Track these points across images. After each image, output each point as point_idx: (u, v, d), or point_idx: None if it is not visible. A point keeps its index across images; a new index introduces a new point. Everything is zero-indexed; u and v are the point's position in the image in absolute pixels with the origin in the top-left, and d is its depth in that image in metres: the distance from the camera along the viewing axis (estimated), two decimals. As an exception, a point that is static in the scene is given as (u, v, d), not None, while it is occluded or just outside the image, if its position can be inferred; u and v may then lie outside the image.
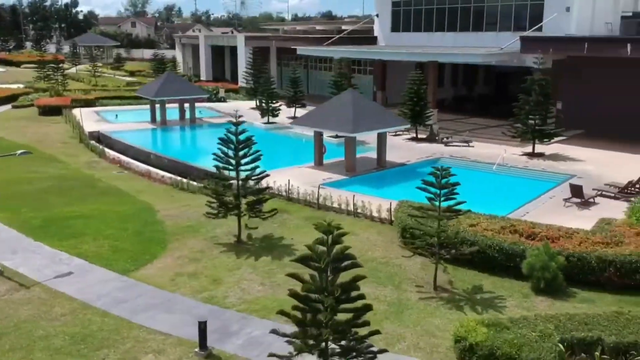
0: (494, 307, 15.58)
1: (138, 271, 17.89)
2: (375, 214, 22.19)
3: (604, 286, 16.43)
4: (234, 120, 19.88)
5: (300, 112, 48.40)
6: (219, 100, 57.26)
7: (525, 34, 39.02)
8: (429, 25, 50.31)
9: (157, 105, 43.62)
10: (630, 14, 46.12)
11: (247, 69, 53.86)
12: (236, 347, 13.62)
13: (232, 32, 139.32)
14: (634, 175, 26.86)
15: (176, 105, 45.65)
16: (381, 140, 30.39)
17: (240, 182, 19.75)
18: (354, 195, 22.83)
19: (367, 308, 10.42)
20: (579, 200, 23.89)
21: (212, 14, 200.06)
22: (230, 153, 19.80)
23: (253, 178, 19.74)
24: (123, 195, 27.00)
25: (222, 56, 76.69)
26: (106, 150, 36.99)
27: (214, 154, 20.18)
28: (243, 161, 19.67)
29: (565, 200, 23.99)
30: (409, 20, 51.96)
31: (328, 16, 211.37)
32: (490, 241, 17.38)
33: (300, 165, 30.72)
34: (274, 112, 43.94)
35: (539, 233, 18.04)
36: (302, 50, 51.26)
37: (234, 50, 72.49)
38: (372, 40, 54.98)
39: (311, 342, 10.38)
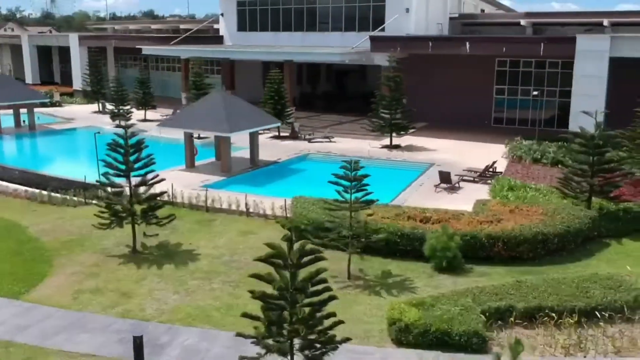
0: (407, 288, 16.57)
1: (30, 293, 16.24)
2: (269, 212, 22.26)
3: (493, 260, 18.21)
4: (122, 126, 18.70)
5: (152, 114, 46.70)
6: (54, 104, 53.06)
7: (371, 34, 41.32)
8: (275, 25, 51.15)
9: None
10: (457, 15, 50.97)
11: (88, 71, 50.44)
12: (174, 359, 13.03)
13: (51, 32, 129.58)
14: (482, 161, 30.00)
15: (9, 111, 41.52)
16: (254, 139, 30.46)
17: (132, 189, 18.70)
18: (245, 195, 22.71)
19: (332, 298, 10.63)
20: (446, 185, 26.06)
21: (24, 11, 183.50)
22: (120, 159, 18.67)
23: (148, 183, 18.81)
24: None
25: (49, 57, 70.96)
26: None
27: (103, 160, 18.89)
28: (135, 166, 18.65)
29: (436, 186, 26.02)
30: (256, 20, 52.39)
31: (151, 15, 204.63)
32: (392, 228, 18.39)
33: (172, 168, 29.69)
34: (127, 116, 41.76)
35: (430, 217, 19.46)
36: (148, 50, 49.25)
37: (63, 50, 67.56)
38: (218, 40, 54.55)
39: (281, 339, 10.35)
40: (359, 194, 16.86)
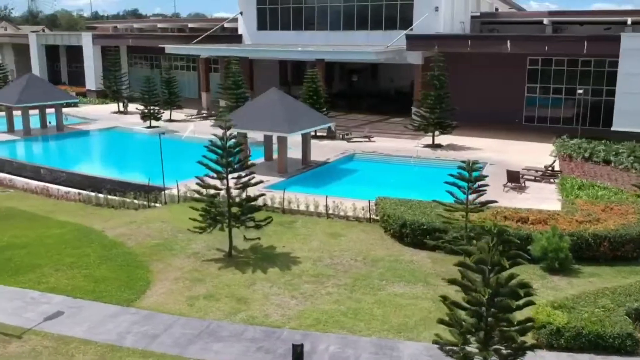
0: (525, 290, 16.28)
1: (141, 300, 15.69)
2: (350, 214, 21.86)
3: (597, 260, 18.02)
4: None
5: (176, 114, 46.00)
6: (69, 105, 51.90)
7: (399, 32, 41.05)
8: (298, 24, 50.59)
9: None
10: (478, 13, 50.95)
11: (108, 70, 49.44)
12: (328, 367, 12.63)
13: (44, 31, 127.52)
14: (531, 159, 30.08)
15: (33, 112, 40.48)
16: (307, 139, 30.02)
17: (230, 191, 18.20)
18: (326, 197, 22.23)
19: (530, 303, 10.32)
20: (513, 184, 25.88)
21: (12, 9, 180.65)
22: (220, 160, 18.15)
23: (250, 184, 18.28)
24: (38, 219, 23.43)
25: (54, 57, 69.56)
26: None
27: (200, 162, 18.35)
28: (234, 168, 18.15)
29: (504, 185, 25.81)
30: (277, 19, 51.79)
31: (135, 14, 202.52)
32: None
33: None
34: (157, 116, 41.10)
35: (527, 217, 19.22)
36: (172, 49, 48.43)
37: (71, 50, 66.42)
38: (236, 39, 53.84)
39: (480, 347, 10.01)
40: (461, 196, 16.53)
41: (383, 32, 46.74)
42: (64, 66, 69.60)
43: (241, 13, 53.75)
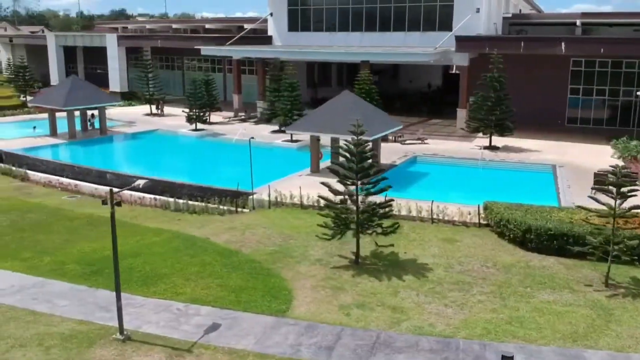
0: (673, 296, 16.18)
1: (292, 310, 15.28)
2: (456, 218, 21.62)
3: None
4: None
5: (214, 117, 45.40)
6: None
7: (454, 33, 40.89)
8: (331, 26, 50.26)
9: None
10: (510, 15, 51.09)
11: (142, 72, 48.63)
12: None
13: (43, 32, 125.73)
14: (591, 161, 30.14)
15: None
16: (378, 143, 29.71)
17: (359, 197, 17.85)
18: (432, 202, 21.95)
19: None
20: (598, 187, 25.78)
21: (7, 9, 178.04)
22: (350, 165, 17.80)
23: (384, 191, 17.94)
24: (125, 225, 22.65)
25: (72, 58, 68.51)
26: (28, 172, 31.10)
27: (329, 167, 17.95)
28: (367, 173, 17.80)
29: (592, 189, 25.70)
30: (309, 20, 51.41)
31: (122, 14, 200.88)
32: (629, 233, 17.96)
33: (297, 173, 28.82)
34: (203, 119, 40.52)
35: (650, 220, 19.09)
36: (208, 50, 47.78)
37: (89, 51, 65.57)
38: (266, 40, 53.34)
39: None
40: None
41: (421, 33, 46.68)
42: (80, 68, 68.48)
43: (271, 14, 53.28)
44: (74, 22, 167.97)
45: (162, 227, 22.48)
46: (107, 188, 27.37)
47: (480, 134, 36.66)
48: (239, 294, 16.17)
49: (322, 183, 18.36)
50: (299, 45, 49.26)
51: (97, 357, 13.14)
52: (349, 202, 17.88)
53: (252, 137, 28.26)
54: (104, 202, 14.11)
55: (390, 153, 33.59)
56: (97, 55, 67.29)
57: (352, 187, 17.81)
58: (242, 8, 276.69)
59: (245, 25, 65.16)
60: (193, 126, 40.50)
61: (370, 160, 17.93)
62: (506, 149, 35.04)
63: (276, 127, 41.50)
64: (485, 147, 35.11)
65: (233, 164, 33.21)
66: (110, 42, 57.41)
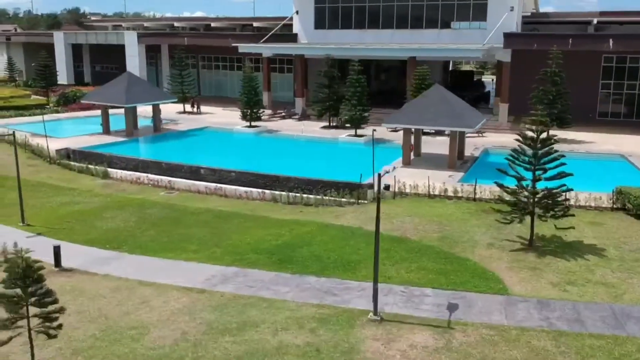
0: None
1: (511, 289, 16.05)
2: (583, 204, 22.77)
3: None
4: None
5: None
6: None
7: (495, 30, 42.28)
8: (360, 23, 51.00)
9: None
10: (529, 13, 53.08)
11: (177, 70, 48.26)
12: None
13: (16, 30, 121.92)
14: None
15: (118, 112, 39.27)
16: (462, 135, 30.69)
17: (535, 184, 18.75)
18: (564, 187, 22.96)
19: None
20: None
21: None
22: (529, 154, 18.70)
23: (562, 178, 18.83)
24: (255, 219, 23.25)
25: (79, 57, 67.05)
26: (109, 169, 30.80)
27: (508, 158, 18.86)
28: (544, 160, 18.72)
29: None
30: (337, 18, 52.02)
31: (77, 13, 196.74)
32: None
33: (389, 166, 29.51)
34: (259, 115, 40.66)
35: None
36: (245, 48, 47.77)
37: (97, 49, 64.38)
38: (291, 38, 53.68)
39: None
40: None
41: (454, 30, 48.03)
42: (87, 66, 67.04)
43: (297, 12, 53.66)
44: (40, 21, 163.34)
45: (298, 219, 22.83)
46: (204, 183, 27.92)
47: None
48: (447, 276, 16.82)
49: (497, 183, 19.22)
50: (318, 43, 49.40)
51: (369, 336, 13.60)
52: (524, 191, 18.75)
53: (374, 130, 28.83)
54: (387, 187, 14.47)
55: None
56: (104, 54, 66.21)
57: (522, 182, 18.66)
58: (190, 8, 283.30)
59: (255, 24, 65.50)
60: (246, 123, 40.56)
61: (553, 146, 18.78)
62: (562, 141, 36.47)
63: (324, 123, 42.09)
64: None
65: (309, 158, 33.68)
66: (130, 40, 56.55)
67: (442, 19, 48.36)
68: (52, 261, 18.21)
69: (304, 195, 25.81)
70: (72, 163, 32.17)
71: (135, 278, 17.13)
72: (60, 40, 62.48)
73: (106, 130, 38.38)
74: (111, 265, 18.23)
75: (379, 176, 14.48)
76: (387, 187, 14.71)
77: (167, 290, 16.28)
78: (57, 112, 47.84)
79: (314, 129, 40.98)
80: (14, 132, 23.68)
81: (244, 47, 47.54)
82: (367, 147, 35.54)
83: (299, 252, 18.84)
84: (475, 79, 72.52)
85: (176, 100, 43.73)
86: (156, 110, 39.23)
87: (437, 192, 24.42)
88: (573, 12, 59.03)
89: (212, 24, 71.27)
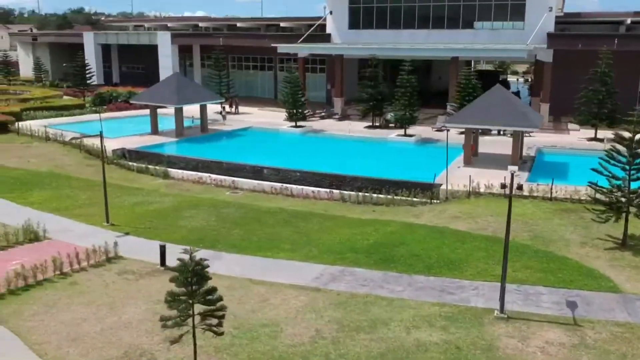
0: None
1: (622, 286, 16.27)
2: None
3: None
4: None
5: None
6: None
7: (536, 31, 42.39)
8: (396, 23, 51.12)
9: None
10: (562, 14, 53.21)
11: (216, 71, 48.47)
12: None
13: (32, 30, 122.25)
14: None
15: (167, 112, 39.47)
16: (522, 135, 30.88)
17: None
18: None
19: None
20: None
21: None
22: (625, 154, 18.90)
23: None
24: (335, 218, 23.36)
25: (107, 57, 67.23)
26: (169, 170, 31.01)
27: (604, 158, 19.07)
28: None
29: None
30: (371, 18, 52.16)
31: (88, 13, 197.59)
32: None
33: (451, 166, 29.72)
34: (304, 115, 40.87)
35: None
36: (284, 48, 47.95)
37: (125, 49, 64.58)
38: (325, 38, 53.82)
39: None
40: None
41: (491, 31, 48.14)
42: (115, 66, 67.22)
43: (330, 12, 53.81)
44: (50, 21, 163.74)
45: (377, 218, 23.04)
46: (269, 183, 28.10)
47: (576, 127, 38.38)
48: (554, 274, 17.03)
49: (590, 183, 19.46)
50: (353, 43, 49.61)
51: (502, 333, 13.81)
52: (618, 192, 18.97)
53: (447, 130, 28.98)
54: (503, 186, 14.70)
55: (504, 146, 34.72)
56: (130, 54, 66.41)
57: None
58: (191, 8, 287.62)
59: (282, 24, 65.70)
60: (289, 123, 40.80)
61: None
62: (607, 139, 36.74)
63: (366, 123, 42.30)
64: (590, 139, 36.76)
65: (362, 157, 33.87)
66: (163, 40, 56.74)
67: (479, 19, 48.49)
68: (154, 260, 18.44)
69: (374, 195, 26.01)
70: (130, 163, 32.34)
71: (244, 276, 17.34)
72: (90, 41, 62.66)
73: (154, 131, 38.57)
74: (214, 265, 18.29)
75: (512, 175, 14.61)
76: (520, 187, 14.69)
77: (281, 288, 16.48)
78: (96, 112, 47.91)
79: (358, 128, 41.18)
80: (101, 133, 23.65)
81: (283, 48, 47.68)
82: (418, 146, 35.94)
83: (397, 251, 19.04)
84: (500, 79, 72.65)
85: (223, 100, 43.88)
86: (203, 111, 39.43)
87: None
88: (605, 12, 59.27)
89: (238, 24, 71.52)
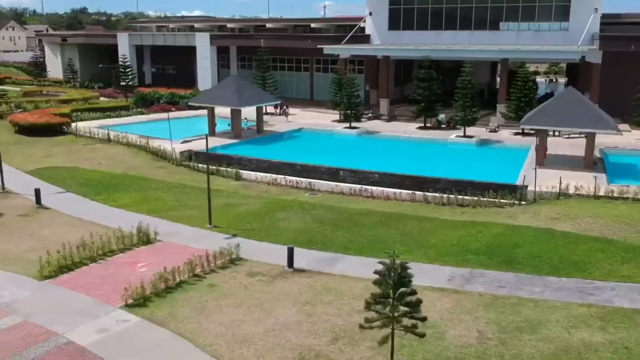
0: None
1: None
2: None
3: None
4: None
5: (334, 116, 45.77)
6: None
7: (585, 32, 42.58)
8: (437, 24, 51.33)
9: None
10: (601, 14, 53.34)
11: (260, 72, 48.67)
12: None
13: (47, 31, 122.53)
14: None
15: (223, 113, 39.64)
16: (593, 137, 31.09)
17: None
18: None
19: None
20: None
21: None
22: None
23: None
24: (428, 220, 23.56)
25: (140, 58, 67.29)
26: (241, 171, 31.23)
27: None
28: None
29: None
30: (412, 19, 52.38)
31: (82, 12, 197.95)
32: None
33: (526, 166, 30.03)
34: (358, 117, 41.09)
35: None
36: (330, 49, 48.12)
37: (157, 50, 64.70)
38: (364, 39, 54.01)
39: None
40: None
41: (534, 32, 48.39)
42: (147, 68, 67.30)
43: (370, 13, 54.07)
44: (61, 21, 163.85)
45: (474, 220, 23.19)
46: (348, 185, 28.31)
47: (627, 128, 38.66)
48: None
49: None
50: (394, 44, 50.00)
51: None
52: None
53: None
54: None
55: (570, 147, 35.04)
56: (164, 55, 66.51)
57: None
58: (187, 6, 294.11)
59: (312, 25, 65.89)
60: (342, 124, 41.06)
61: None
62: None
63: (417, 124, 42.54)
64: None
65: (426, 158, 34.11)
66: (202, 42, 56.87)
67: (522, 20, 48.75)
68: (277, 262, 18.64)
69: (459, 197, 26.22)
70: (200, 165, 32.48)
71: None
72: (125, 42, 62.73)
73: (212, 132, 38.67)
74: (337, 266, 18.63)
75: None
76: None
77: (419, 290, 16.47)
78: (142, 113, 48.14)
79: (411, 129, 41.41)
80: (206, 135, 23.96)
81: (329, 49, 47.86)
82: (480, 147, 36.15)
83: (515, 253, 19.25)
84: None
85: (279, 102, 44.07)
86: (260, 112, 39.62)
87: (601, 193, 24.83)
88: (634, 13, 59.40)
89: (267, 25, 71.73)
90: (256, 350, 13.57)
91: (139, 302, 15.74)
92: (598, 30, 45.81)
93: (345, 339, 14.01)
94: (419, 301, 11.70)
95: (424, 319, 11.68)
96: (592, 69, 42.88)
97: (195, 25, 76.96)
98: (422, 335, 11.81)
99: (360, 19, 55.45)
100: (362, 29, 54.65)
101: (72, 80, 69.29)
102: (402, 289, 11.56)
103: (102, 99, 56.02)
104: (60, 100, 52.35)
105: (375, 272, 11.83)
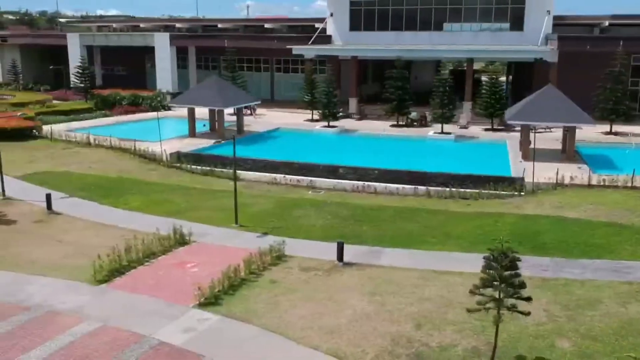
0: None
1: None
2: None
3: None
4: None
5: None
6: (163, 107, 49.64)
7: (543, 33, 45.25)
8: (397, 25, 52.96)
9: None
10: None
11: (229, 73, 48.52)
12: None
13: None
14: None
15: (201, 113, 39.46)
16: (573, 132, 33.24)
17: None
18: None
19: None
20: None
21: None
22: None
23: None
24: (441, 213, 24.70)
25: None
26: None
27: None
28: None
29: None
30: (372, 20, 53.77)
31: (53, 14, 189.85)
32: None
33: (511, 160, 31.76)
34: (337, 116, 41.86)
35: None
36: (298, 50, 48.63)
37: (107, 51, 62.99)
38: (326, 40, 54.86)
39: None
40: None
41: (492, 33, 50.81)
42: (98, 69, 65.25)
43: (331, 14, 54.99)
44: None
45: (483, 211, 24.47)
46: (350, 182, 29.05)
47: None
48: None
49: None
50: (354, 45, 51.25)
51: None
52: None
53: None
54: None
55: (545, 141, 37.01)
56: (114, 56, 64.82)
57: None
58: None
59: (266, 25, 66.10)
60: (322, 123, 41.79)
61: None
62: (623, 134, 40.03)
63: (389, 122, 43.83)
64: (607, 133, 39.89)
65: (412, 155, 35.31)
66: (161, 42, 55.90)
67: (480, 21, 51.05)
68: (322, 257, 19.15)
69: (460, 190, 27.49)
70: (191, 166, 32.24)
71: (425, 268, 18.31)
72: (75, 42, 60.63)
73: (192, 134, 38.42)
74: (383, 259, 19.30)
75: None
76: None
77: (470, 277, 17.56)
78: (106, 115, 46.98)
79: (386, 127, 42.59)
80: (234, 137, 24.07)
81: (298, 49, 48.37)
82: (458, 143, 37.76)
83: (541, 239, 20.59)
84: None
85: (259, 102, 44.10)
86: (240, 113, 39.64)
87: (594, 182, 26.75)
88: (584, 15, 63.38)
89: (219, 25, 71.16)
90: (349, 339, 14.04)
91: (210, 301, 15.83)
92: (551, 32, 48.72)
93: (428, 325, 14.72)
94: (524, 283, 12.57)
95: (529, 299, 12.57)
96: (549, 68, 45.59)
97: (141, 25, 75.37)
98: (528, 314, 12.71)
99: (308, 19, 56.41)
100: (324, 30, 55.51)
101: (14, 82, 66.28)
102: (510, 272, 12.39)
103: (54, 101, 54.06)
104: (11, 103, 50.15)
105: (485, 258, 12.59)
